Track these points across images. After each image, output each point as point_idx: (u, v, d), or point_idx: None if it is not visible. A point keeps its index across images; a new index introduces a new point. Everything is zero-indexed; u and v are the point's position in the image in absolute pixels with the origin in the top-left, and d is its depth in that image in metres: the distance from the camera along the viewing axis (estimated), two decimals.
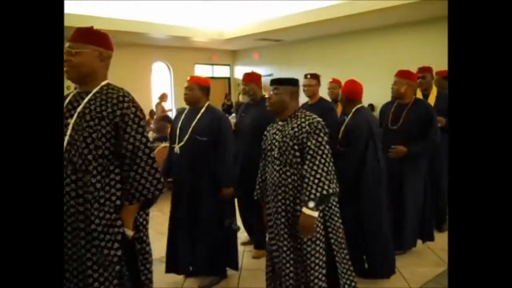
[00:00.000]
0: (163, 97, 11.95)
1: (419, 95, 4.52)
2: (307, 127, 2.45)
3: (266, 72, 14.65)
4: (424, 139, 3.69)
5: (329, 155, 2.43)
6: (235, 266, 3.61)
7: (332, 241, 2.56)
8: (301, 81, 4.47)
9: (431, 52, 10.03)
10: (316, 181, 2.35)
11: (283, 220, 2.53)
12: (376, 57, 11.42)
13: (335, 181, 2.41)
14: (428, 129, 3.69)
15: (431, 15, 9.96)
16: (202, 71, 15.86)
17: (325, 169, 2.37)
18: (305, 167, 2.40)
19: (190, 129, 3.32)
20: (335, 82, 5.30)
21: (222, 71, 16.82)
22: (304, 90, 4.24)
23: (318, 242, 2.49)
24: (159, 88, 14.33)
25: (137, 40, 13.00)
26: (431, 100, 4.48)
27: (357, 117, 3.38)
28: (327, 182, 2.35)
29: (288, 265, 2.52)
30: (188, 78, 3.45)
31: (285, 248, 2.53)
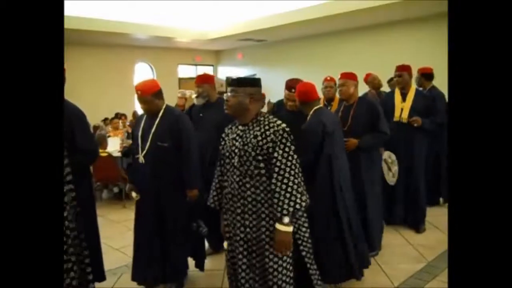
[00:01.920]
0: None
1: (397, 93, 4.59)
2: (272, 136, 2.27)
3: (249, 72, 14.69)
4: (373, 132, 3.78)
5: (298, 165, 2.28)
6: (201, 267, 3.59)
7: (304, 253, 2.45)
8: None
9: (416, 51, 10.15)
10: (288, 195, 2.21)
11: (242, 236, 2.37)
12: (360, 57, 11.50)
13: (305, 192, 2.29)
14: (376, 122, 3.77)
15: (417, 15, 10.07)
16: (186, 71, 15.81)
17: (296, 181, 2.24)
18: (274, 180, 2.24)
19: (151, 136, 3.18)
20: (332, 81, 4.82)
21: (205, 72, 16.77)
22: (284, 103, 3.88)
23: (285, 258, 2.33)
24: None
25: (120, 40, 12.89)
26: (409, 98, 4.49)
27: (311, 119, 3.27)
28: (298, 195, 2.23)
29: (247, 285, 2.38)
30: (139, 92, 3.15)
31: (244, 267, 2.38)
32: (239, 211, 2.37)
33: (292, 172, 2.24)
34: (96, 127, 9.42)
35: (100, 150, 6.13)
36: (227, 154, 2.44)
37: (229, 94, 2.39)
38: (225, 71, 16.53)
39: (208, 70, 16.69)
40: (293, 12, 10.71)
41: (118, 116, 10.12)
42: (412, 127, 4.40)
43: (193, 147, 3.24)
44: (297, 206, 2.22)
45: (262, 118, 2.37)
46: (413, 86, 4.66)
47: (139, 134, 3.25)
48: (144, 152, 3.19)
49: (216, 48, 16.20)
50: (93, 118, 10.64)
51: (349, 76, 3.90)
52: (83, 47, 12.37)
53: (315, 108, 3.30)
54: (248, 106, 2.35)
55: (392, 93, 4.76)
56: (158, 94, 3.22)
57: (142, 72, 14.85)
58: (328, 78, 4.88)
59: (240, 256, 2.38)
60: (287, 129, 2.32)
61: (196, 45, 14.71)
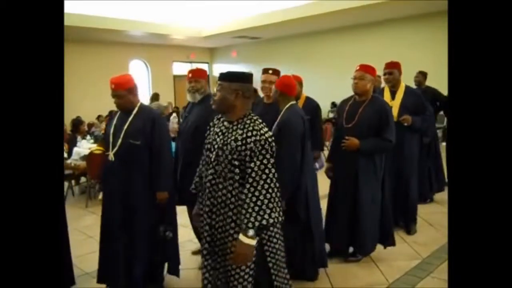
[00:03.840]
0: None
1: (387, 91, 4.45)
2: (252, 145, 2.14)
3: (244, 70, 14.62)
4: (378, 137, 3.52)
5: (274, 179, 2.15)
6: (177, 273, 3.36)
7: (271, 265, 2.31)
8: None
9: (407, 49, 10.22)
10: (257, 208, 2.09)
11: (206, 234, 2.31)
12: (355, 54, 11.53)
13: (278, 209, 2.15)
14: (383, 127, 3.50)
15: (407, 14, 10.14)
16: (180, 69, 15.78)
17: (268, 196, 2.11)
18: (246, 191, 2.12)
19: (123, 133, 3.04)
20: (295, 79, 4.45)
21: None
22: (261, 88, 3.81)
23: (243, 267, 2.22)
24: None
25: (114, 37, 12.85)
26: (399, 96, 4.37)
27: (290, 113, 3.16)
28: (268, 211, 2.10)
29: (209, 286, 2.33)
30: (112, 86, 3.05)
31: (209, 268, 2.32)
32: (207, 209, 2.29)
33: (266, 186, 2.12)
34: (90, 125, 9.38)
35: (95, 148, 6.11)
36: (208, 146, 2.35)
37: (216, 88, 2.28)
38: (220, 69, 16.50)
39: (203, 68, 16.64)
40: (288, 10, 10.72)
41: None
42: (402, 126, 4.19)
43: (165, 148, 3.10)
44: (264, 222, 2.09)
45: (248, 121, 2.23)
46: (403, 83, 4.49)
47: (111, 131, 3.12)
48: (115, 149, 3.06)
49: (210, 46, 16.20)
50: (87, 116, 10.62)
51: (368, 70, 3.58)
52: (77, 44, 12.30)
53: (291, 103, 3.24)
54: (233, 102, 2.22)
55: (382, 90, 4.58)
56: (133, 90, 3.12)
57: (137, 69, 14.82)
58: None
59: (204, 252, 2.33)
60: (271, 139, 2.19)
61: (191, 42, 14.69)
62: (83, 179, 6.60)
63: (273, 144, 2.20)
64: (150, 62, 15.05)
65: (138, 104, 3.14)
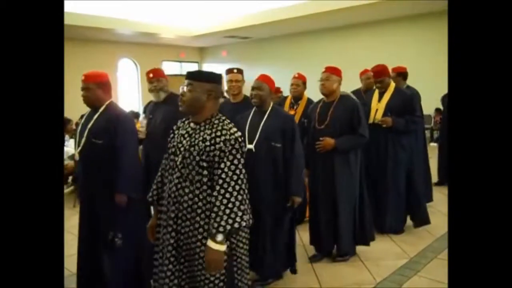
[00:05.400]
0: None
1: (376, 92, 4.41)
2: (222, 144, 2.07)
3: None
4: (352, 134, 3.58)
5: (244, 181, 2.08)
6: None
7: (235, 269, 2.25)
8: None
9: (397, 50, 10.29)
10: (228, 211, 2.00)
11: (172, 241, 2.17)
12: (344, 55, 11.58)
13: (248, 211, 2.08)
14: (356, 124, 3.56)
15: (402, 13, 10.23)
16: (170, 68, 15.72)
17: (239, 197, 2.03)
18: (215, 193, 2.03)
19: (87, 131, 2.92)
20: (300, 78, 4.73)
21: (190, 69, 16.68)
22: (228, 87, 3.86)
23: (213, 272, 2.11)
24: (125, 85, 14.13)
25: (103, 36, 12.76)
26: (385, 97, 4.31)
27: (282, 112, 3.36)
28: (239, 214, 2.01)
29: None
30: (83, 77, 2.96)
31: (169, 273, 2.17)
32: (172, 215, 2.16)
33: (237, 188, 2.04)
34: (77, 124, 9.29)
35: None
36: (173, 149, 2.24)
37: (185, 88, 2.17)
38: (210, 68, 16.46)
39: (193, 67, 16.63)
40: (278, 9, 10.74)
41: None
42: (385, 128, 4.19)
43: (126, 148, 2.92)
44: (236, 225, 2.00)
45: (216, 121, 2.17)
46: (393, 84, 4.43)
47: (79, 129, 3.02)
48: (80, 148, 2.93)
49: (200, 45, 16.17)
50: (74, 115, 10.50)
51: (334, 71, 3.67)
52: (65, 42, 12.15)
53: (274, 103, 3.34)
54: (204, 103, 2.15)
55: (372, 92, 4.55)
56: (103, 85, 2.97)
57: (126, 69, 14.74)
58: (296, 75, 4.75)
59: (166, 261, 2.18)
60: (241, 138, 2.14)
61: (180, 41, 14.64)
62: (71, 178, 6.55)
63: (243, 144, 2.16)
64: (140, 61, 14.96)
65: (107, 102, 2.98)
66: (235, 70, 3.89)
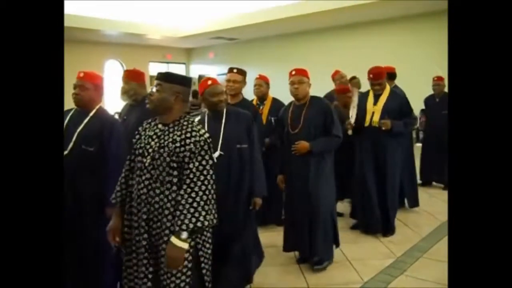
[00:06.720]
0: None
1: (370, 95, 4.37)
2: (192, 146, 2.10)
3: (221, 71, 14.64)
4: (326, 135, 3.53)
5: (212, 181, 2.12)
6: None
7: (204, 271, 2.25)
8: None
9: (391, 51, 10.35)
10: (192, 210, 2.03)
11: (144, 243, 2.17)
12: (332, 56, 11.63)
13: (214, 211, 2.11)
14: (329, 125, 3.51)
15: (395, 14, 10.29)
16: (157, 69, 15.65)
17: (204, 197, 2.06)
18: (182, 192, 2.07)
19: (75, 136, 2.69)
20: (262, 79, 4.70)
21: (177, 70, 16.67)
22: (226, 87, 3.71)
23: (178, 274, 2.11)
24: (111, 87, 14.01)
25: (89, 37, 12.65)
26: (382, 100, 4.28)
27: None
28: (203, 213, 2.04)
29: None
30: (81, 74, 2.78)
31: (141, 275, 2.16)
32: (144, 217, 2.17)
33: (203, 188, 2.07)
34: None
35: None
36: (140, 151, 2.23)
37: (154, 88, 2.20)
38: (197, 70, 16.45)
39: (180, 68, 16.58)
40: (266, 11, 10.76)
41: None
42: (384, 131, 4.16)
43: (122, 158, 2.57)
44: (199, 224, 2.03)
45: (185, 122, 2.20)
46: (388, 86, 4.42)
47: (63, 128, 2.78)
48: (66, 153, 2.65)
49: (187, 46, 16.13)
50: None
51: (304, 73, 3.56)
52: None
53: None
54: (172, 105, 2.18)
55: (366, 94, 4.47)
56: (99, 88, 2.85)
57: (113, 70, 14.64)
58: (258, 76, 4.75)
59: (140, 263, 2.17)
60: (209, 140, 2.18)
61: (167, 42, 14.60)
62: None
63: (211, 145, 2.20)
64: (126, 62, 14.86)
65: (97, 106, 2.83)
66: (234, 70, 3.82)
